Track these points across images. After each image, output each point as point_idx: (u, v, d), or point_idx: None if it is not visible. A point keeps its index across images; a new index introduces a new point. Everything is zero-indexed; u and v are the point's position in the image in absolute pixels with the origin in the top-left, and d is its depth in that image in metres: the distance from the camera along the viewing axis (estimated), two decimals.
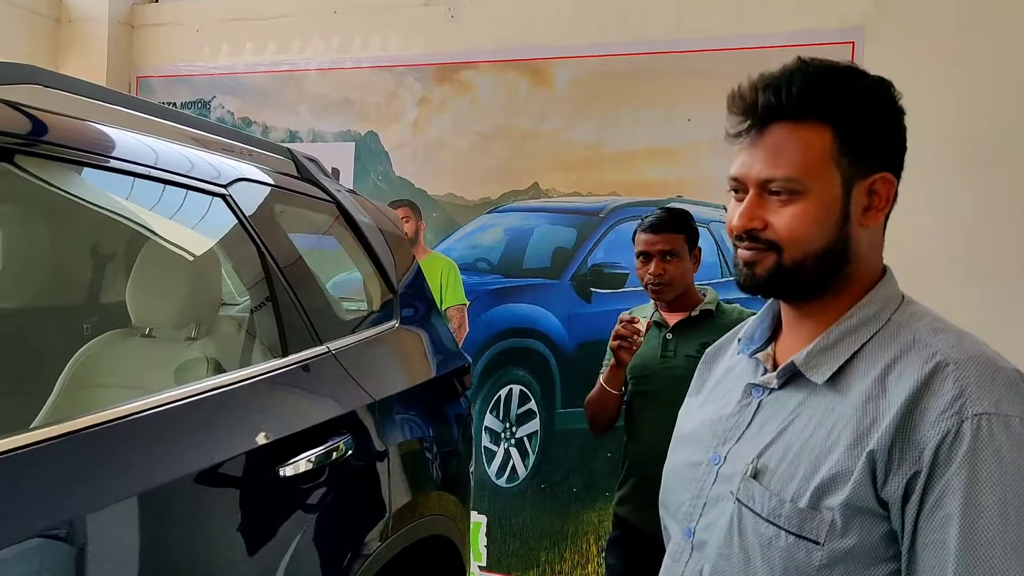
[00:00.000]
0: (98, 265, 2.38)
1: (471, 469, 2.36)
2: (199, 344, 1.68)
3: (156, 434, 1.22)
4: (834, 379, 0.85)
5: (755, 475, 0.86)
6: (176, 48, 4.26)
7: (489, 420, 3.71)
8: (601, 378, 2.13)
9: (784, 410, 0.88)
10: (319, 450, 1.48)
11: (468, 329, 3.64)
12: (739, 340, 1.01)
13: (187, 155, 1.57)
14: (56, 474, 1.05)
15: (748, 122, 0.88)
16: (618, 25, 3.46)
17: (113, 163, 1.37)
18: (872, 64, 2.97)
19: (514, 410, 3.68)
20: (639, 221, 2.19)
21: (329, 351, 1.70)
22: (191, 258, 1.70)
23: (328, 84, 3.94)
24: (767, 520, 0.82)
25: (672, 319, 2.10)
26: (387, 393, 1.81)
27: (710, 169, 3.36)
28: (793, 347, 0.92)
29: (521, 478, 3.68)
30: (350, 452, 1.59)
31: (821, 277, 0.88)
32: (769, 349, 0.96)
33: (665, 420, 1.99)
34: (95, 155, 1.33)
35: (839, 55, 3.08)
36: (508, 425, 3.70)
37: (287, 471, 1.38)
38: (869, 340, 0.86)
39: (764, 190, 0.87)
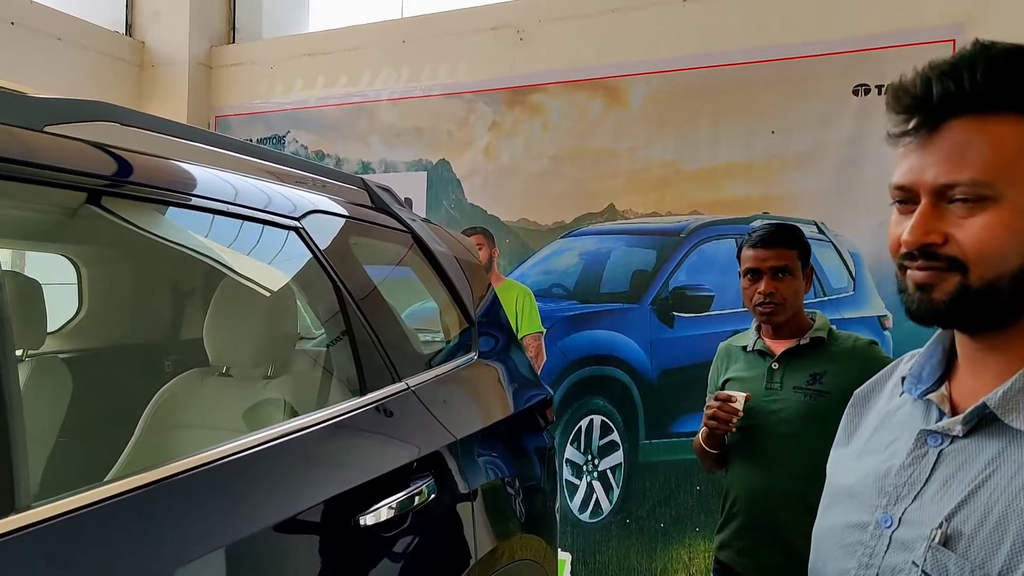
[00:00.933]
0: (178, 302, 2.38)
1: (556, 506, 2.24)
2: (275, 383, 1.63)
3: (236, 482, 1.16)
4: None
5: (945, 542, 0.71)
6: (252, 86, 4.35)
7: (570, 452, 3.58)
8: (700, 436, 1.97)
9: (975, 463, 0.74)
10: (401, 495, 1.39)
11: (545, 357, 3.53)
12: (903, 379, 0.86)
13: (262, 188, 1.53)
14: (135, 527, 1.00)
15: (917, 118, 0.74)
16: (695, 37, 3.34)
17: (188, 199, 1.33)
18: None
19: (596, 441, 3.54)
20: (744, 236, 2.00)
21: (408, 387, 1.62)
22: (266, 294, 1.65)
23: (399, 114, 3.93)
24: None
25: (778, 347, 1.92)
26: (469, 431, 1.72)
27: (797, 183, 3.19)
28: (975, 387, 0.77)
29: (605, 513, 3.53)
30: (433, 496, 1.50)
31: (1017, 302, 0.73)
32: (943, 389, 0.81)
33: (769, 459, 1.86)
34: (171, 192, 1.29)
35: (941, 53, 2.88)
36: (590, 457, 3.56)
37: (368, 519, 1.29)
38: None
39: (942, 198, 0.73)
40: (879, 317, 3.07)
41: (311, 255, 1.54)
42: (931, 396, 0.81)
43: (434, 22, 3.90)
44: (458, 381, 1.86)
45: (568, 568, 3.54)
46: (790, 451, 1.81)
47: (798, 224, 2.87)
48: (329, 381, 1.61)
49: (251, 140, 4.27)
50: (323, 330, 1.65)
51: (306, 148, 4.16)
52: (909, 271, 0.75)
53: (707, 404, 1.90)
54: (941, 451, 0.76)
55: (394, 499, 1.36)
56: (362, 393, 1.48)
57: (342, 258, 1.62)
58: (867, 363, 1.75)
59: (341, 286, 1.56)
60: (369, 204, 1.95)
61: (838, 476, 0.90)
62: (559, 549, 3.52)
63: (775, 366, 1.89)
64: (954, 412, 0.78)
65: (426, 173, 3.87)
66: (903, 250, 0.75)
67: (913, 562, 0.73)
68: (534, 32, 3.65)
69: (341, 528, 1.28)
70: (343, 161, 4.05)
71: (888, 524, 0.77)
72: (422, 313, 2.37)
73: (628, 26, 3.46)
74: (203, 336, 1.66)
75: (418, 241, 2.01)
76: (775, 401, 1.86)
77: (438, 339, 2.12)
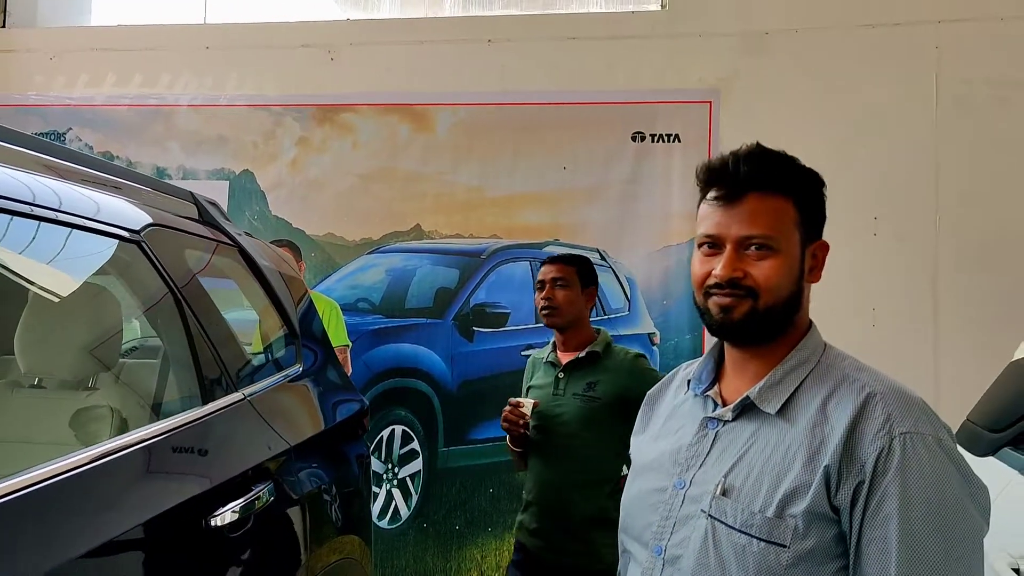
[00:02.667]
0: None
1: (372, 508, 2.36)
2: (101, 394, 1.62)
3: (75, 497, 1.17)
4: (782, 410, 1.01)
5: (724, 493, 0.99)
6: (26, 76, 4.00)
7: (371, 462, 3.68)
8: (507, 439, 2.26)
9: (740, 438, 1.03)
10: (244, 499, 1.46)
11: (351, 370, 3.62)
12: (688, 381, 1.16)
13: (94, 199, 1.53)
14: None
15: (726, 189, 1.03)
16: (497, 75, 3.63)
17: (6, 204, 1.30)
18: (727, 121, 3.29)
19: (396, 451, 3.69)
20: (535, 261, 2.36)
21: (245, 397, 1.69)
22: (86, 304, 1.64)
23: (200, 121, 3.84)
24: (739, 530, 0.96)
25: (565, 359, 2.23)
26: (301, 438, 1.81)
27: (584, 214, 3.58)
28: (739, 386, 1.07)
29: (403, 519, 3.68)
30: (272, 499, 1.58)
31: (782, 322, 1.04)
32: (716, 388, 1.11)
33: (555, 454, 2.19)
34: None
35: (700, 112, 3.42)
36: (390, 466, 3.69)
37: (214, 522, 1.36)
38: (807, 377, 1.03)
39: (741, 246, 1.02)
40: (649, 334, 3.53)
41: (152, 268, 1.56)
42: (709, 393, 1.11)
43: (241, 32, 3.86)
44: (288, 391, 1.94)
45: None
46: (571, 448, 2.13)
47: (583, 251, 3.28)
48: (172, 392, 1.63)
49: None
50: (162, 343, 1.67)
51: (91, 148, 3.91)
52: (715, 298, 1.03)
53: (504, 410, 2.17)
54: (717, 432, 1.06)
55: (238, 503, 1.43)
56: (203, 402, 1.54)
57: (181, 271, 1.65)
58: (632, 373, 2.15)
59: (181, 299, 1.59)
60: (197, 217, 1.98)
61: (640, 456, 1.18)
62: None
63: (561, 375, 2.20)
64: (724, 404, 1.08)
65: (228, 183, 3.81)
66: (713, 281, 1.03)
67: (701, 509, 1.01)
68: (345, 54, 3.76)
69: (189, 532, 1.34)
70: (135, 164, 3.86)
71: (682, 486, 1.05)
72: (238, 323, 2.39)
73: (436, 58, 3.68)
74: (14, 347, 1.60)
75: (245, 256, 2.06)
76: (560, 405, 2.16)
77: (263, 352, 2.17)
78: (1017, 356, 1.80)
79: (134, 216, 1.60)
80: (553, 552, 2.13)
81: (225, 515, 1.41)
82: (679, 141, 3.45)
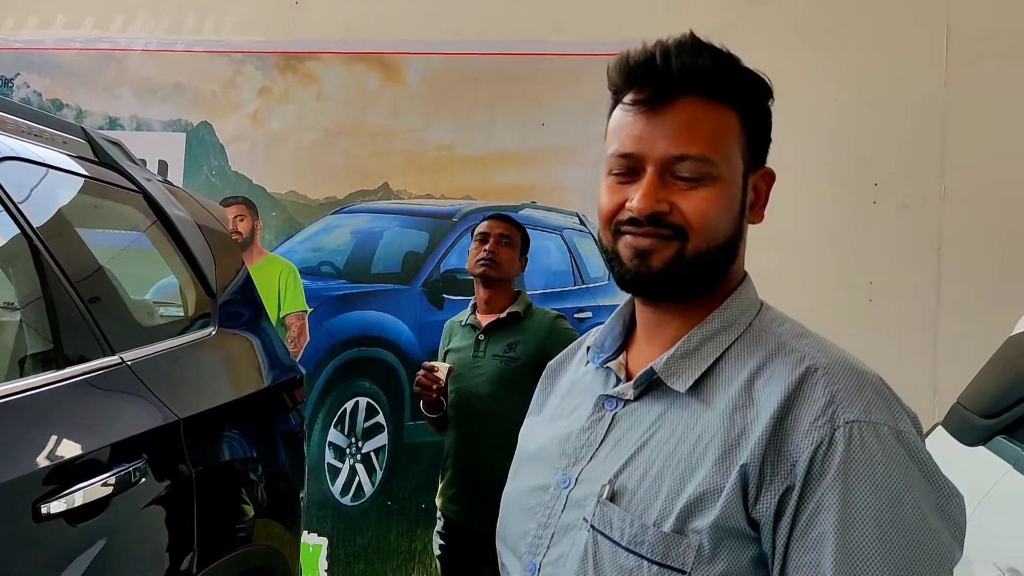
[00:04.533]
0: None
1: (303, 491, 2.14)
2: None
3: None
4: (697, 387, 0.76)
5: (612, 497, 0.74)
6: None
7: (333, 435, 3.47)
8: (421, 405, 2.20)
9: (642, 423, 0.78)
10: (97, 480, 1.24)
11: (309, 338, 3.40)
12: (587, 349, 0.89)
13: None
14: None
15: (652, 89, 0.76)
16: (474, 22, 3.36)
17: None
18: None
19: (360, 424, 3.47)
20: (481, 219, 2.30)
21: (123, 362, 1.46)
22: None
23: (156, 67, 3.58)
24: (627, 549, 0.71)
25: (485, 320, 2.18)
26: (196, 409, 1.58)
27: (564, 176, 3.32)
28: (649, 355, 0.82)
29: (367, 495, 3.47)
30: (143, 480, 1.36)
31: (715, 273, 0.79)
32: (621, 358, 0.86)
33: (475, 416, 2.07)
34: None
35: None
36: (354, 440, 3.48)
37: (49, 509, 1.14)
38: (731, 345, 0.78)
39: (667, 170, 0.76)
40: None
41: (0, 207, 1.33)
42: (611, 364, 0.85)
43: None
44: (190, 356, 1.71)
45: (324, 553, 3.44)
46: (488, 408, 2.08)
47: (563, 215, 3.11)
48: (19, 352, 1.40)
49: None
50: (15, 296, 1.44)
51: (40, 95, 3.66)
52: (628, 238, 0.77)
53: (416, 374, 2.12)
54: (615, 414, 0.80)
55: (86, 485, 1.21)
56: (59, 366, 1.31)
57: (43, 214, 1.42)
58: (551, 333, 2.11)
59: (40, 246, 1.36)
60: (92, 158, 1.74)
61: (527, 441, 0.93)
62: (316, 534, 3.43)
63: (481, 337, 2.16)
64: (629, 379, 0.82)
65: (185, 135, 3.56)
66: (629, 215, 0.76)
67: (584, 518, 0.76)
68: None
69: (17, 518, 1.11)
70: (86, 113, 3.61)
71: (566, 485, 0.80)
72: (170, 287, 2.18)
73: (408, 3, 3.41)
74: None
75: (152, 205, 1.83)
76: (479, 367, 2.12)
77: (177, 313, 1.95)
78: (1017, 331, 1.55)
79: None
80: (469, 517, 2.07)
81: (67, 500, 1.18)
82: None
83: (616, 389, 0.82)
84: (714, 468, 0.70)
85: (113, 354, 1.44)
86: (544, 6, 3.31)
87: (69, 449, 1.22)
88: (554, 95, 3.29)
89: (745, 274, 0.83)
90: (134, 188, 1.79)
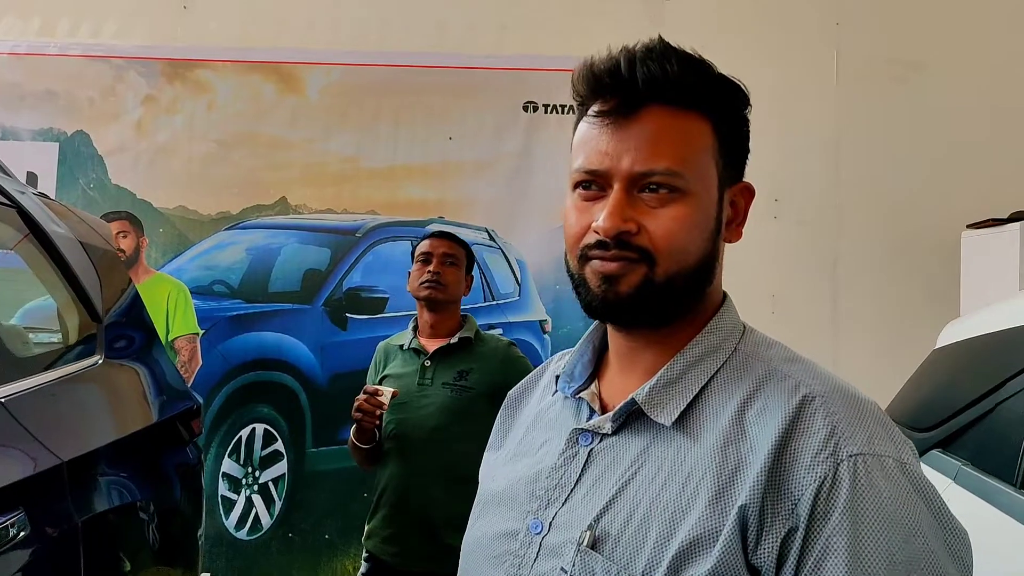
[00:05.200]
0: None
1: (200, 530, 1.97)
2: None
3: None
4: (682, 420, 0.70)
5: (593, 545, 0.67)
6: None
7: (227, 465, 3.25)
8: (352, 434, 2.00)
9: (623, 460, 0.71)
10: None
11: (201, 362, 3.18)
12: (556, 378, 0.81)
13: None
14: None
15: (617, 100, 0.70)
16: (378, 34, 3.26)
17: None
18: None
19: (257, 452, 3.27)
20: (421, 237, 2.20)
21: None
22: None
23: (24, 71, 3.28)
24: None
25: (431, 346, 2.04)
26: (82, 450, 1.41)
27: (472, 191, 3.26)
28: (624, 385, 0.75)
29: (265, 528, 3.27)
30: (24, 534, 1.19)
31: (689, 296, 0.73)
32: (593, 387, 0.78)
33: (417, 450, 1.93)
34: None
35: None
36: (250, 469, 3.27)
37: None
38: (717, 373, 0.72)
39: (634, 186, 0.70)
40: (540, 321, 3.25)
41: None
42: (583, 394, 0.78)
43: None
44: (73, 391, 1.53)
45: None
46: (436, 442, 1.93)
47: (471, 230, 3.03)
48: None
49: None
50: None
51: None
52: (594, 263, 0.71)
53: (356, 398, 1.94)
54: (592, 450, 0.74)
55: None
56: None
57: None
58: (505, 362, 2.00)
59: None
60: None
61: (489, 482, 0.84)
62: (209, 574, 3.19)
63: (427, 363, 2.01)
64: (604, 410, 0.76)
65: (58, 145, 3.27)
66: (596, 239, 0.71)
67: (562, 568, 0.69)
68: (201, 2, 3.29)
69: None
70: None
71: (538, 530, 0.73)
72: (42, 310, 1.96)
73: (307, 10, 3.28)
74: None
75: (27, 220, 1.63)
76: (425, 396, 1.97)
77: (56, 341, 1.75)
78: (941, 343, 1.61)
79: None
80: (410, 559, 1.92)
81: None
82: (574, 112, 3.17)
83: (591, 422, 0.75)
84: (708, 510, 0.64)
85: None
86: (451, 18, 3.26)
87: None
88: (462, 109, 3.23)
89: (725, 295, 0.78)
90: (5, 202, 1.60)
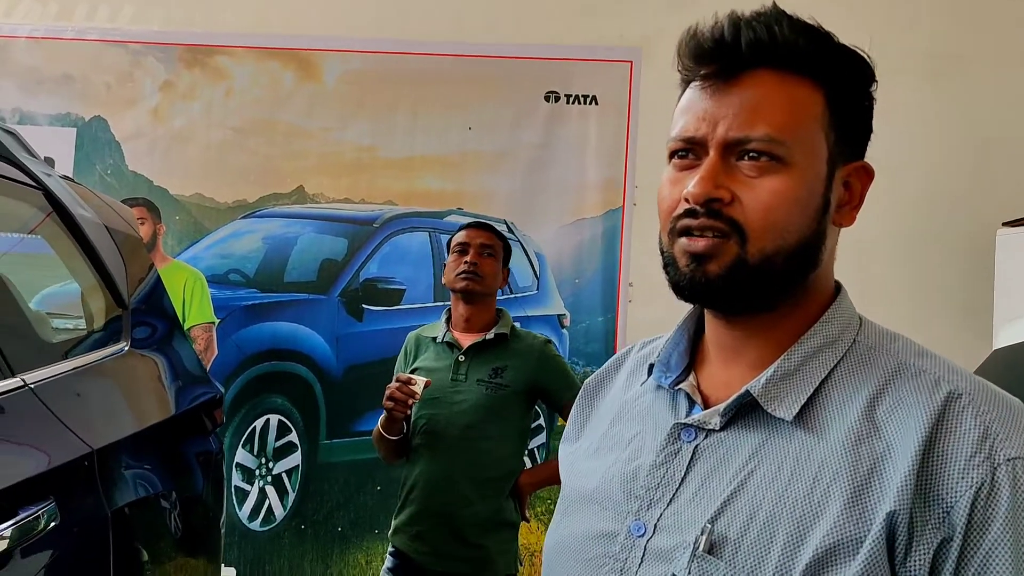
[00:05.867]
0: None
1: (222, 519, 1.95)
2: None
3: None
4: (803, 415, 0.66)
5: (711, 549, 0.63)
6: None
7: (241, 455, 3.23)
8: (379, 424, 1.96)
9: (735, 458, 0.66)
10: (3, 527, 1.04)
11: (216, 351, 3.16)
12: (650, 367, 0.76)
13: None
14: None
15: (718, 64, 0.67)
16: (396, 20, 3.22)
17: None
18: (650, 83, 2.97)
19: (271, 443, 3.25)
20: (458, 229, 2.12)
21: (25, 384, 1.25)
22: None
23: (42, 55, 3.25)
24: None
25: (466, 340, 1.99)
26: (112, 438, 1.38)
27: (491, 182, 3.22)
28: (727, 378, 0.71)
29: (278, 520, 3.25)
30: (55, 524, 1.16)
31: (787, 282, 0.67)
32: (691, 379, 0.74)
33: (450, 448, 1.89)
34: None
35: (620, 73, 3.10)
36: (264, 460, 3.25)
37: None
38: (837, 365, 0.67)
39: (731, 154, 0.66)
40: (559, 316, 3.22)
41: None
42: (682, 386, 0.73)
43: None
44: (101, 377, 1.51)
45: None
46: (469, 440, 1.89)
47: (490, 220, 2.98)
48: None
49: None
50: None
51: None
52: (682, 240, 0.67)
53: (388, 386, 1.89)
54: (697, 447, 0.69)
55: None
56: None
57: None
58: (541, 360, 1.96)
59: None
60: None
61: (575, 479, 0.80)
62: (223, 564, 3.17)
63: (462, 358, 1.96)
64: (706, 404, 0.71)
65: (75, 130, 3.24)
66: (685, 206, 0.66)
67: (674, 574, 0.64)
68: None
69: None
70: None
71: (641, 532, 0.68)
72: (62, 295, 1.94)
73: None
74: None
75: (54, 203, 1.61)
76: (459, 392, 1.92)
77: (80, 326, 1.72)
78: (1002, 343, 1.57)
79: None
80: (440, 559, 1.88)
81: None
82: (596, 103, 3.12)
83: (695, 417, 0.70)
84: (844, 513, 0.60)
85: (14, 376, 1.23)
86: (471, 5, 3.22)
87: None
88: (481, 99, 3.20)
89: (839, 285, 0.74)
90: (32, 184, 1.57)
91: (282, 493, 3.25)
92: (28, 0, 3.27)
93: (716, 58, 0.67)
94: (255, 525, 3.24)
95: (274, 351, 3.23)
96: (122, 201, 3.06)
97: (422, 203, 3.24)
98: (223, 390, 2.02)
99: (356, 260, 3.24)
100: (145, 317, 1.80)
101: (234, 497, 3.22)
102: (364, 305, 3.24)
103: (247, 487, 3.25)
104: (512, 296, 3.21)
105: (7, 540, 1.06)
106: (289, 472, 3.25)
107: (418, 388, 1.84)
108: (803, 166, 0.66)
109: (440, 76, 3.20)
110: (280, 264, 3.25)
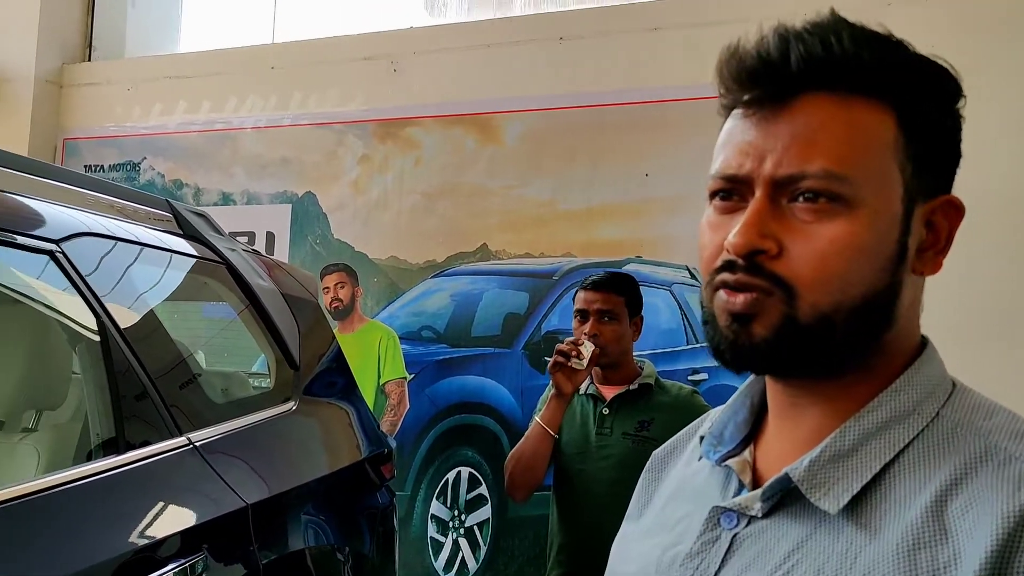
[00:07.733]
0: None
1: (395, 568, 2.00)
2: (35, 437, 1.36)
3: None
4: (855, 506, 0.54)
5: None
6: (107, 108, 4.01)
7: (436, 507, 3.34)
8: (537, 417, 1.90)
9: (775, 553, 0.56)
10: None
11: (409, 405, 3.31)
12: (701, 439, 0.67)
13: (8, 205, 1.28)
14: None
15: (764, 88, 0.56)
16: (570, 75, 3.27)
17: None
18: None
19: (463, 495, 3.32)
20: (581, 281, 2.04)
21: (191, 443, 1.38)
22: (19, 332, 1.39)
23: (264, 143, 3.69)
24: None
25: (609, 392, 1.92)
26: (268, 493, 1.48)
27: (670, 228, 3.12)
28: (782, 452, 0.60)
29: (471, 572, 3.29)
30: (204, 574, 1.25)
31: (851, 344, 0.56)
32: (747, 453, 0.63)
33: (597, 505, 1.78)
34: None
35: None
36: (456, 512, 3.33)
37: None
38: (907, 446, 0.55)
39: (782, 194, 0.55)
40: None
41: (69, 284, 1.29)
42: (731, 462, 0.63)
43: (305, 49, 3.71)
44: (266, 435, 1.63)
45: None
46: (617, 497, 1.75)
47: (671, 268, 2.83)
48: (85, 436, 1.35)
49: (101, 166, 3.93)
50: (81, 374, 1.39)
51: (163, 176, 3.85)
52: (720, 294, 0.57)
53: (556, 347, 1.86)
54: (736, 535, 0.59)
55: None
56: (119, 451, 1.24)
57: (114, 289, 1.38)
58: (689, 411, 1.81)
59: (107, 322, 1.31)
60: (176, 231, 1.72)
61: (619, 564, 0.72)
62: None
63: (606, 411, 1.89)
64: (757, 484, 0.61)
65: (291, 206, 3.63)
66: (726, 257, 0.56)
67: None
68: (408, 64, 3.51)
69: None
70: (202, 191, 3.76)
71: None
72: (241, 357, 2.13)
73: (504, 62, 3.37)
74: None
75: (234, 274, 1.79)
76: (605, 447, 1.84)
77: (257, 385, 1.89)
78: None
79: (58, 223, 1.34)
80: None
81: None
82: None
83: (736, 500, 0.60)
84: None
85: (180, 435, 1.36)
86: (641, 52, 3.18)
87: (112, 545, 1.13)
88: (657, 144, 3.13)
89: (925, 341, 0.60)
90: (216, 259, 1.76)
91: (474, 546, 3.30)
92: (253, 96, 3.74)
93: (761, 80, 0.56)
94: None
95: (463, 404, 3.32)
96: (325, 267, 3.37)
97: (601, 253, 3.20)
98: (393, 445, 2.10)
99: (537, 313, 3.27)
100: (318, 377, 1.93)
101: (430, 548, 3.32)
102: (547, 357, 3.24)
103: (441, 539, 3.34)
104: (698, 345, 3.05)
105: None
106: (480, 525, 3.30)
107: (585, 350, 1.80)
108: (872, 206, 0.54)
109: (615, 125, 3.18)
110: (467, 320, 3.36)
